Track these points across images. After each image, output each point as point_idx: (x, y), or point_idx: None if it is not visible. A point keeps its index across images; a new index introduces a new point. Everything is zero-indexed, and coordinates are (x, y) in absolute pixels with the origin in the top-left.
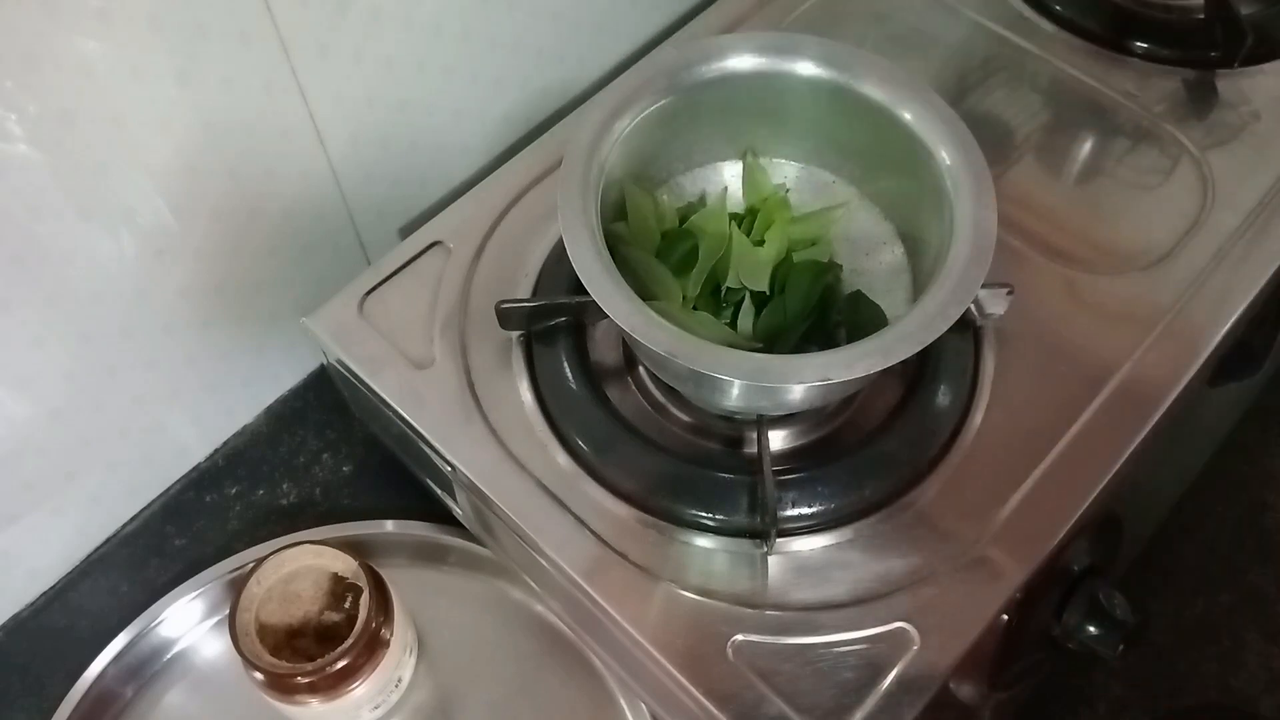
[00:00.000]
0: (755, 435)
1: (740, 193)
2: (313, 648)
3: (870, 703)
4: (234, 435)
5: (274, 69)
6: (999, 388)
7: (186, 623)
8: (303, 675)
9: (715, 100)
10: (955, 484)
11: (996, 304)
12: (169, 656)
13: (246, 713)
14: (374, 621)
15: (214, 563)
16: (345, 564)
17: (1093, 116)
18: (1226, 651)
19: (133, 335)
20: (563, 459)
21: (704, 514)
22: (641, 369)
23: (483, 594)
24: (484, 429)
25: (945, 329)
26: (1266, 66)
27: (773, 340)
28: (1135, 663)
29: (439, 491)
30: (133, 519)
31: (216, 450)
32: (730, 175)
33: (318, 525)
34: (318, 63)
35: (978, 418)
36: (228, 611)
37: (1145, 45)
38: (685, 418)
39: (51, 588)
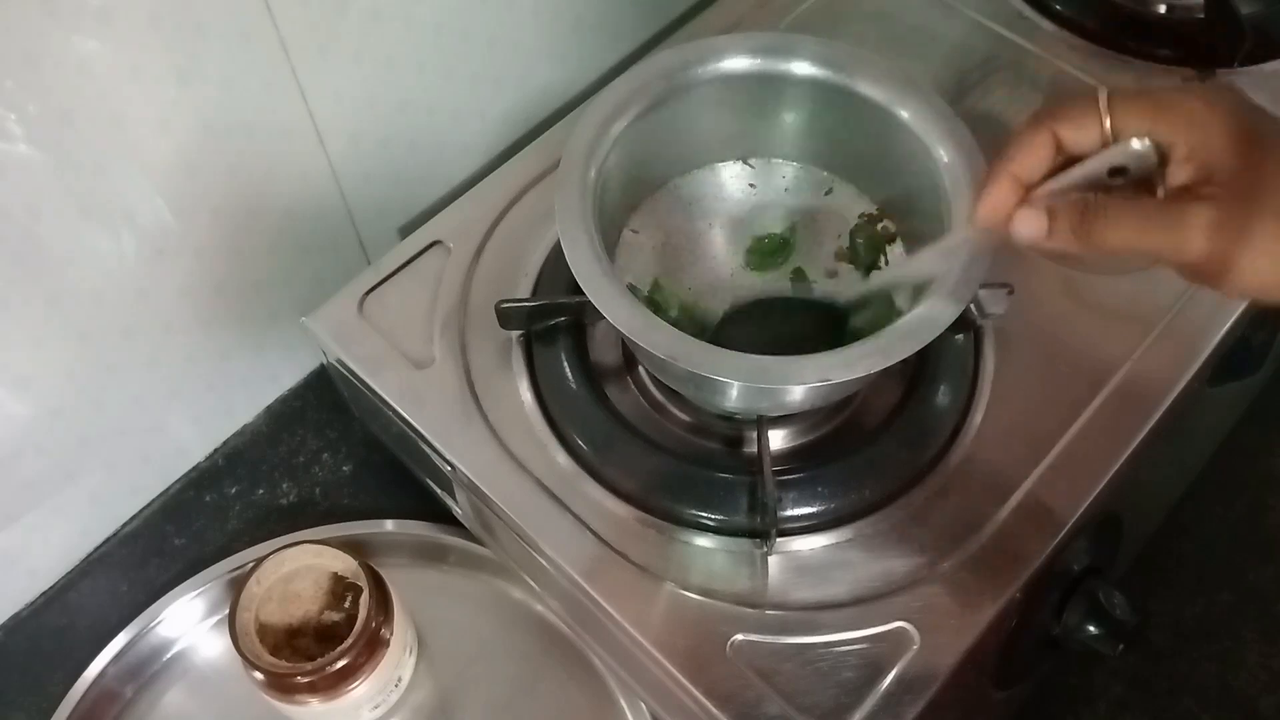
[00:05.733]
0: (755, 435)
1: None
2: (313, 647)
3: (870, 702)
4: (234, 435)
5: (274, 69)
6: (999, 388)
7: (186, 622)
8: (303, 675)
9: (714, 101)
10: (955, 484)
11: (996, 304)
12: (169, 656)
13: (246, 713)
14: (374, 621)
15: (214, 562)
16: (345, 564)
17: None
18: (1226, 651)
19: (133, 335)
20: (563, 459)
21: (704, 514)
22: (641, 369)
23: (483, 594)
24: (484, 429)
25: (945, 328)
26: (1266, 66)
27: None
28: (1135, 663)
29: (439, 491)
30: (132, 519)
31: (216, 450)
32: (729, 176)
33: (318, 525)
34: (318, 63)
35: (978, 418)
36: (228, 611)
37: (1145, 45)
38: (685, 418)
39: (51, 587)
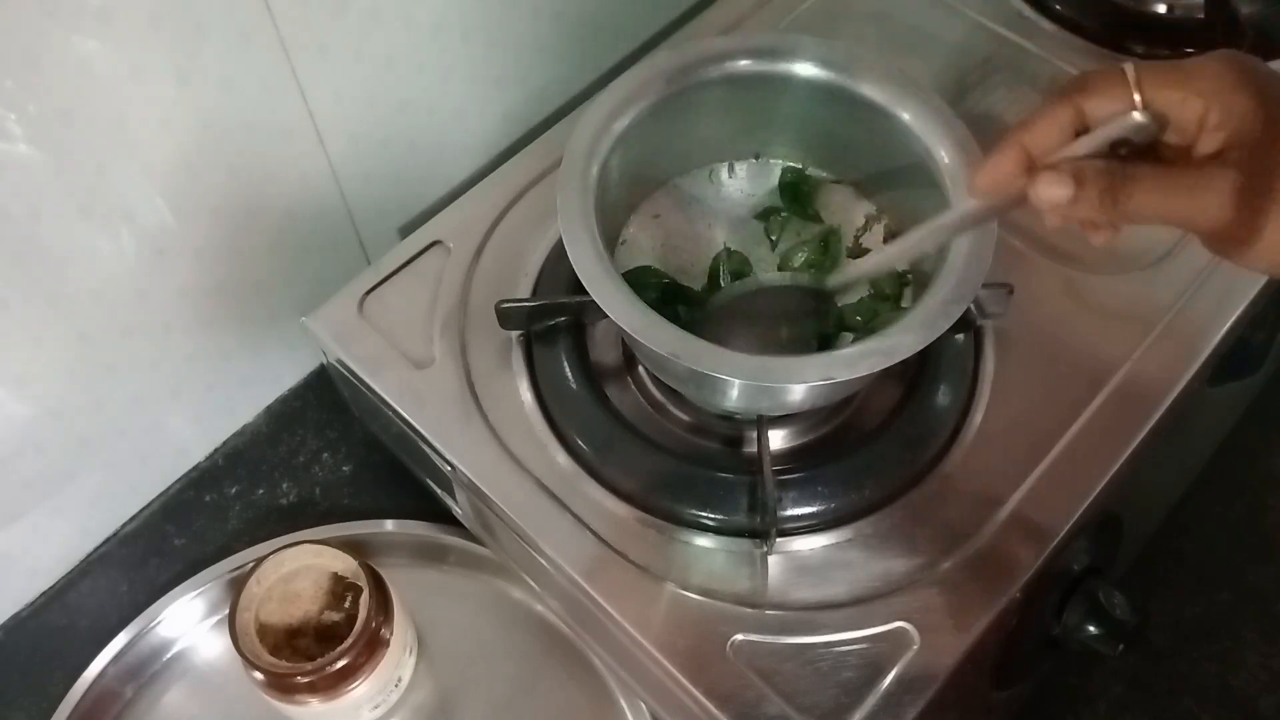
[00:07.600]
0: (755, 435)
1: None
2: (313, 647)
3: (870, 702)
4: (234, 435)
5: (274, 69)
6: (999, 388)
7: (186, 622)
8: (303, 675)
9: (714, 101)
10: (955, 484)
11: (996, 304)
12: (169, 656)
13: (246, 713)
14: (374, 621)
15: (214, 562)
16: (345, 564)
17: None
18: (1226, 651)
19: (133, 335)
20: (563, 459)
21: (704, 514)
22: (641, 368)
23: (483, 594)
24: (484, 429)
25: (946, 328)
26: None
27: None
28: (1135, 663)
29: (439, 491)
30: (132, 519)
31: (216, 450)
32: (729, 176)
33: (318, 525)
34: (318, 63)
35: (978, 418)
36: (228, 611)
37: (1145, 45)
38: (685, 417)
39: (51, 587)
